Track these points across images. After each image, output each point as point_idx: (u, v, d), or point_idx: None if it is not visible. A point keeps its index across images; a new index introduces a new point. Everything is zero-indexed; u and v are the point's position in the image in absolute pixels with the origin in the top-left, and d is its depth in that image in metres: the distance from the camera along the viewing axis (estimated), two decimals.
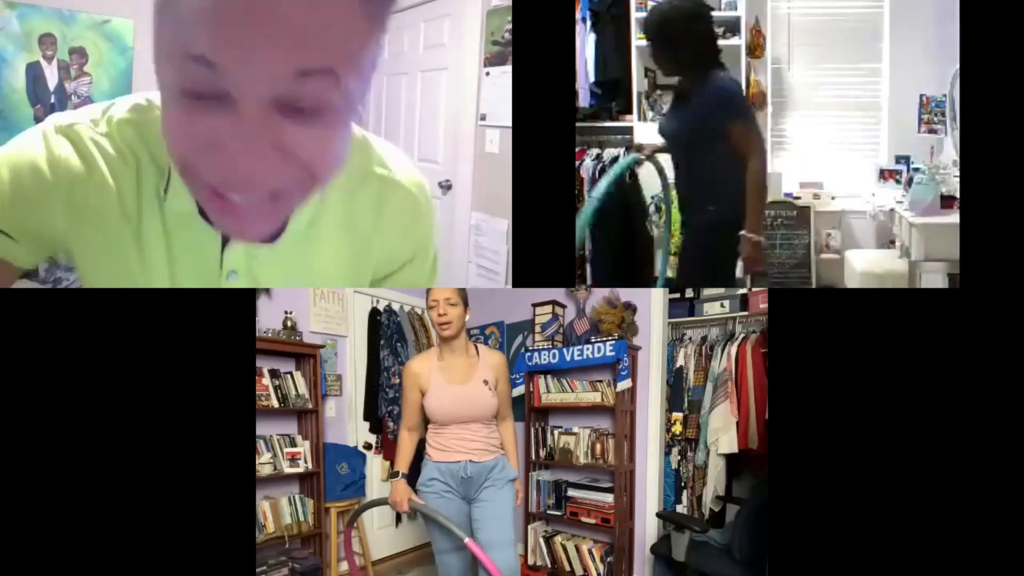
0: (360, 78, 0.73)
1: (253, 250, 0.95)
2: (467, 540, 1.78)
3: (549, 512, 3.30)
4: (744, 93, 2.66)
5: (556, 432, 3.33)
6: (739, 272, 2.40)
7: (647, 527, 3.07)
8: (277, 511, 2.90)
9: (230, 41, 0.65)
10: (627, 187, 3.59)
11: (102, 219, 0.89)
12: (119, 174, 0.89)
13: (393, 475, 2.06)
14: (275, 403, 2.93)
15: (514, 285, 2.04)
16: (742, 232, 2.20)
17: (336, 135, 0.75)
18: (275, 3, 0.64)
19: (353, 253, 1.04)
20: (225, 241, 0.94)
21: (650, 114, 3.75)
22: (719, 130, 2.19)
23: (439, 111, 3.58)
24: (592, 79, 3.63)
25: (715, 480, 2.85)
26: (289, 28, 0.65)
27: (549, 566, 3.27)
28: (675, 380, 3.11)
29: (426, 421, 2.08)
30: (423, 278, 1.17)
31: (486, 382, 2.00)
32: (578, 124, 3.58)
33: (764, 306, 2.90)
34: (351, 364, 3.55)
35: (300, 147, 0.72)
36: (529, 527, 3.38)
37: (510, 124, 2.38)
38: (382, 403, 3.60)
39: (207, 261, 0.94)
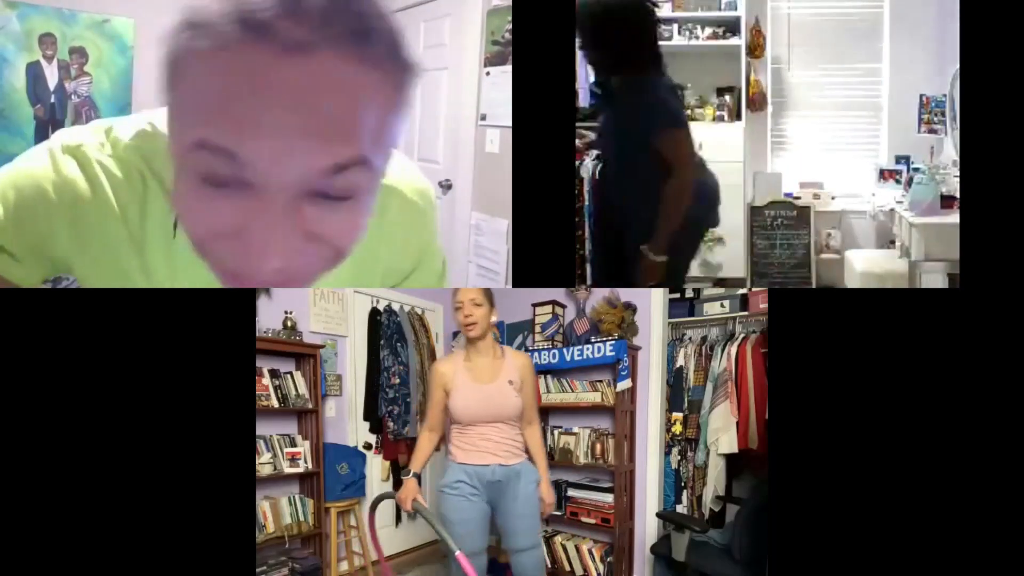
0: (387, 156, 0.71)
1: None
2: (457, 553, 1.72)
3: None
4: (681, 102, 2.43)
5: (556, 432, 3.33)
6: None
7: (647, 527, 3.07)
8: (277, 511, 2.90)
9: (256, 133, 0.61)
10: None
11: (106, 241, 0.89)
12: (125, 198, 0.88)
13: (405, 472, 2.05)
14: (275, 403, 2.93)
15: (514, 285, 2.04)
16: (643, 246, 2.02)
17: (364, 211, 0.72)
18: (305, 92, 0.61)
19: (356, 261, 1.02)
20: None
21: None
22: (643, 144, 1.98)
23: (439, 111, 3.58)
24: (592, 79, 3.63)
25: (715, 480, 2.85)
26: (321, 119, 0.61)
27: (549, 566, 3.27)
28: (675, 380, 3.11)
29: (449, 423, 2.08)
30: (431, 283, 1.16)
31: (511, 382, 1.99)
32: (578, 124, 3.58)
33: (764, 306, 2.90)
34: (351, 364, 3.55)
35: (329, 230, 0.68)
36: None
37: (510, 124, 2.38)
38: (382, 403, 3.60)
39: (215, 282, 0.94)
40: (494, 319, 2.02)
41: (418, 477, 2.01)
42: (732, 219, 3.71)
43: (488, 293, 2.00)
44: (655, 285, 2.27)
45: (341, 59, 0.62)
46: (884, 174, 3.70)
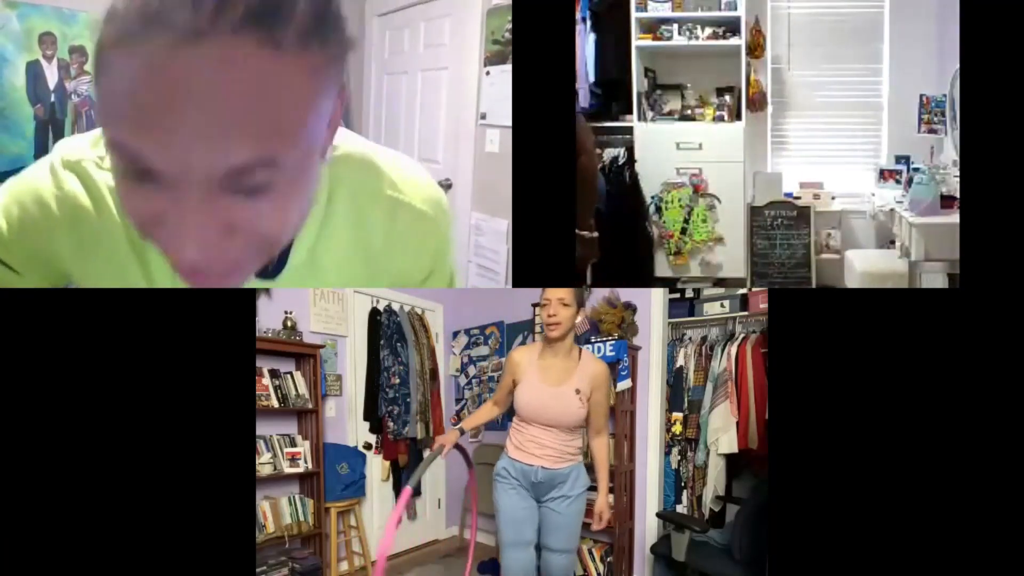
0: (310, 147, 0.67)
1: (264, 281, 0.93)
2: (406, 487, 1.77)
3: None
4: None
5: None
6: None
7: (647, 527, 3.07)
8: (277, 511, 2.90)
9: (150, 134, 0.59)
10: (627, 187, 3.59)
11: (109, 253, 0.89)
12: None
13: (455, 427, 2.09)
14: (275, 403, 2.93)
15: (514, 285, 2.04)
16: (576, 231, 2.11)
17: (291, 204, 0.68)
18: (192, 89, 0.57)
19: (365, 273, 1.00)
20: None
21: (650, 114, 3.75)
22: None
23: (439, 111, 3.58)
24: (592, 79, 3.63)
25: (715, 480, 2.85)
26: (210, 119, 0.58)
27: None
28: (675, 380, 3.11)
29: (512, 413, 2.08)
30: (443, 285, 1.15)
31: (578, 391, 1.93)
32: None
33: (764, 306, 2.90)
34: (351, 364, 3.55)
35: (249, 223, 0.65)
36: None
37: (510, 124, 2.37)
38: (382, 403, 3.60)
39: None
40: (579, 319, 1.98)
41: (462, 432, 2.06)
42: (732, 219, 3.71)
43: (578, 293, 1.95)
44: (595, 263, 2.40)
45: (238, 46, 0.58)
46: (884, 174, 3.69)
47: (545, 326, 1.95)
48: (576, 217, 2.10)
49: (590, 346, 3.09)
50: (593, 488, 2.09)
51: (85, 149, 0.89)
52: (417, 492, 3.84)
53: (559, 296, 1.91)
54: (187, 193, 0.61)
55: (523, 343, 3.65)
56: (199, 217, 0.62)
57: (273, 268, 0.90)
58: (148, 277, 0.91)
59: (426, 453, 3.97)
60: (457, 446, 2.09)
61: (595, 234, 2.17)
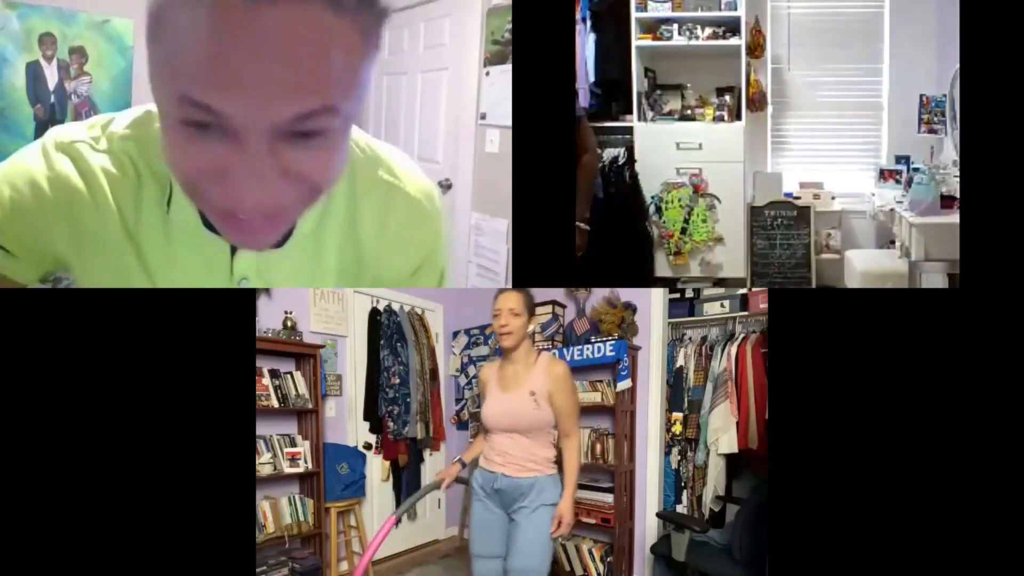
0: (359, 99, 0.73)
1: (263, 255, 0.95)
2: (391, 516, 1.81)
3: None
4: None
5: (556, 432, 3.33)
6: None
7: (647, 527, 3.07)
8: (277, 511, 2.90)
9: (224, 86, 0.64)
10: (627, 187, 3.59)
11: (103, 236, 0.89)
12: (119, 191, 0.88)
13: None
14: (275, 403, 2.93)
15: (514, 285, 2.03)
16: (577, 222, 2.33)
17: (338, 150, 0.76)
18: (266, 44, 0.63)
19: (358, 258, 1.02)
20: (234, 248, 0.94)
21: (650, 114, 3.75)
22: None
23: (439, 111, 3.58)
24: (592, 79, 3.63)
25: (715, 480, 2.85)
26: (284, 70, 0.64)
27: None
28: (675, 380, 3.11)
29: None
30: (432, 284, 1.16)
31: (532, 393, 1.90)
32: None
33: (764, 306, 2.90)
34: (351, 364, 3.55)
35: (303, 167, 0.72)
36: None
37: (510, 124, 2.38)
38: (382, 403, 3.60)
39: (215, 270, 0.94)
40: (531, 328, 1.98)
41: (464, 465, 2.10)
42: (732, 219, 3.71)
43: (528, 301, 1.95)
44: (582, 256, 2.55)
45: (309, 4, 0.64)
46: (884, 174, 3.69)
47: (497, 336, 1.96)
48: (575, 209, 2.26)
49: (590, 346, 3.09)
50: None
51: (80, 131, 0.90)
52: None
53: (509, 306, 1.92)
54: (254, 140, 0.67)
55: None
56: (262, 163, 0.69)
57: (283, 236, 0.94)
58: (143, 262, 0.91)
59: (426, 454, 3.97)
60: (459, 479, 2.11)
61: (587, 228, 2.41)
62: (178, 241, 0.92)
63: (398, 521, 2.00)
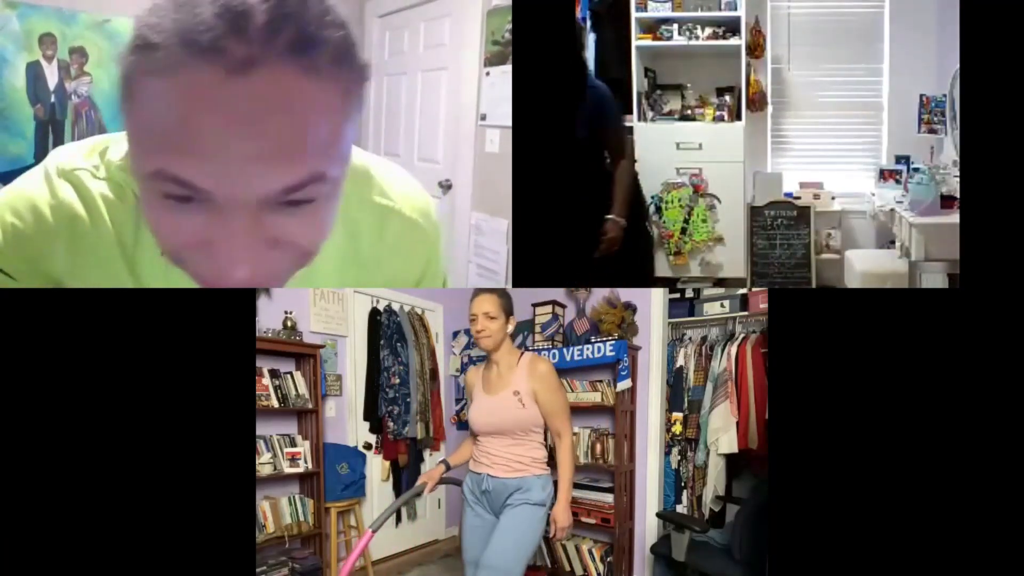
0: (345, 160, 0.71)
1: None
2: (369, 531, 1.79)
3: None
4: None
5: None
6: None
7: (647, 527, 3.07)
8: (277, 511, 2.90)
9: (202, 161, 0.61)
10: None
11: (100, 259, 0.90)
12: (118, 215, 0.89)
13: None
14: (275, 403, 2.93)
15: (514, 285, 2.04)
16: (610, 216, 2.42)
17: (328, 213, 0.73)
18: (244, 115, 0.60)
19: (357, 277, 1.04)
20: None
21: (650, 114, 3.75)
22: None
23: (439, 111, 3.58)
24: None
25: (715, 480, 2.85)
26: (265, 142, 0.61)
27: (549, 566, 3.27)
28: (675, 380, 3.11)
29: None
30: (436, 285, 1.17)
31: (516, 393, 1.88)
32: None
33: (764, 306, 2.90)
34: (351, 364, 3.55)
35: (293, 234, 0.69)
36: None
37: (510, 124, 2.38)
38: (382, 403, 3.60)
39: None
40: (511, 328, 1.95)
41: (448, 467, 2.07)
42: (732, 219, 3.71)
43: (504, 303, 1.92)
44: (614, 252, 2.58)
45: (285, 73, 0.61)
46: (884, 174, 3.69)
47: (475, 340, 1.96)
48: (615, 204, 2.44)
49: (590, 346, 3.09)
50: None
51: (79, 158, 0.91)
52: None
53: (484, 310, 1.91)
54: (240, 213, 0.64)
55: (523, 343, 3.65)
56: (249, 236, 0.66)
57: None
58: (137, 281, 0.92)
59: (426, 454, 3.97)
60: (452, 480, 2.09)
61: (623, 222, 2.48)
62: (176, 275, 0.92)
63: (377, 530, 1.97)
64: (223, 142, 0.60)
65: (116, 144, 0.92)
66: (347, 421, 3.50)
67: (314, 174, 0.65)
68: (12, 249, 0.90)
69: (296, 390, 3.06)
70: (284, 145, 0.62)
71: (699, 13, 3.64)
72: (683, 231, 3.67)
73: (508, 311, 1.95)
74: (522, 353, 1.98)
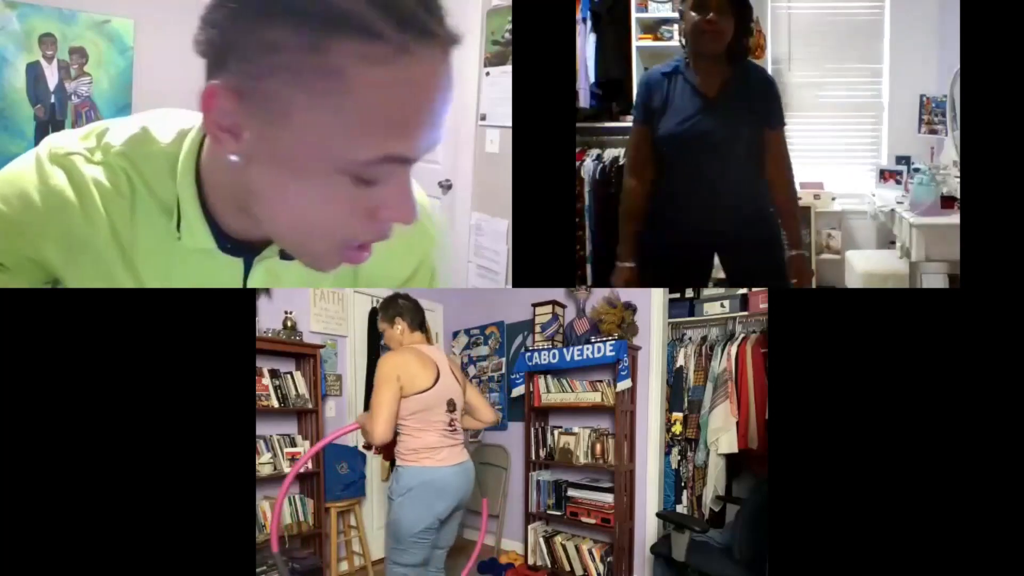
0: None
1: (274, 268, 0.95)
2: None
3: (549, 512, 3.30)
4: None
5: (556, 432, 3.33)
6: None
7: (647, 527, 3.07)
8: None
9: (419, 135, 0.70)
10: None
11: (93, 248, 0.88)
12: (112, 203, 0.87)
13: None
14: (275, 403, 2.93)
15: (514, 285, 2.04)
16: (792, 253, 2.03)
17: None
18: (428, 88, 0.68)
19: (354, 270, 1.03)
20: (247, 267, 0.94)
21: None
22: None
23: None
24: (592, 79, 3.63)
25: (715, 480, 2.85)
26: (432, 107, 0.70)
27: (549, 566, 3.28)
28: (675, 380, 3.11)
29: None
30: (423, 285, 1.17)
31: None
32: (578, 124, 3.58)
33: (764, 306, 2.90)
34: (351, 364, 3.55)
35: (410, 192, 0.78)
36: (529, 527, 3.38)
37: (510, 124, 2.38)
38: None
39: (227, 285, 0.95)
40: (397, 332, 2.16)
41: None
42: None
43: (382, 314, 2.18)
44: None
45: (435, 56, 0.68)
46: (884, 175, 3.69)
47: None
48: (791, 238, 2.08)
49: (590, 346, 3.09)
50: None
51: (74, 142, 0.88)
52: None
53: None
54: (406, 176, 0.75)
55: (523, 343, 3.65)
56: (408, 195, 0.76)
57: None
58: (133, 273, 0.90)
59: None
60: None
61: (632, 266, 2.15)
62: (189, 263, 0.91)
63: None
64: (426, 115, 0.69)
65: (115, 128, 0.90)
66: (347, 421, 3.50)
67: (437, 140, 0.74)
68: (1, 237, 0.88)
69: (296, 390, 3.06)
70: (436, 115, 0.71)
71: None
72: None
73: (407, 320, 2.15)
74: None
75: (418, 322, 2.16)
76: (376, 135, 0.68)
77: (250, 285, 0.95)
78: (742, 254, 2.06)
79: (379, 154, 0.69)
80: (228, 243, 0.90)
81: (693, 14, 1.85)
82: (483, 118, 3.21)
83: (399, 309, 2.15)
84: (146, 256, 0.90)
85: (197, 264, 0.91)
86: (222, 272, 0.93)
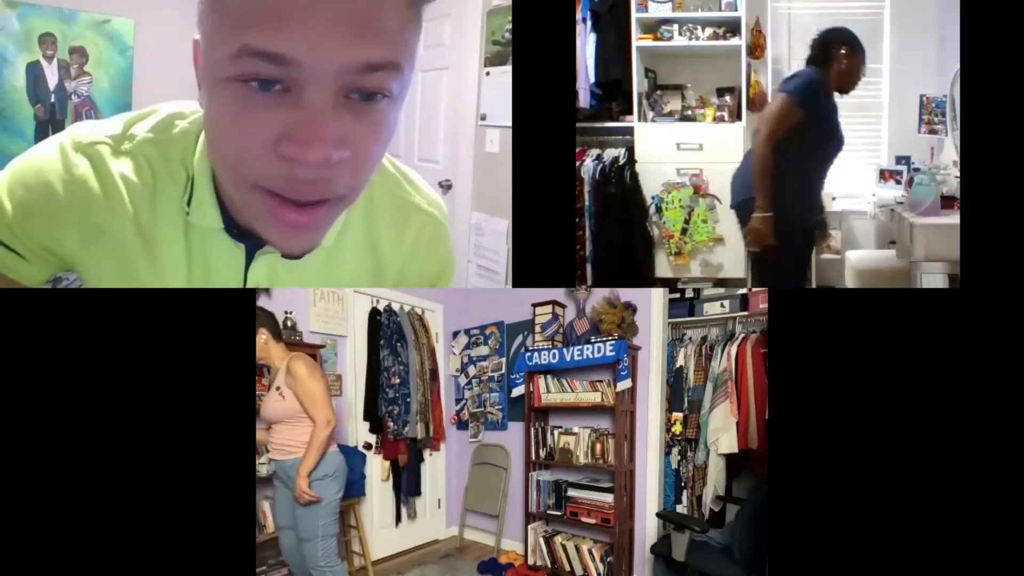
0: (411, 70, 0.75)
1: (277, 264, 0.94)
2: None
3: (549, 512, 3.30)
4: None
5: (556, 432, 3.33)
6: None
7: (647, 527, 3.07)
8: None
9: (299, 36, 0.65)
10: (628, 188, 3.59)
11: (115, 239, 0.87)
12: (136, 194, 0.86)
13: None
14: None
15: (514, 285, 2.04)
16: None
17: (387, 126, 0.75)
18: None
19: (372, 272, 1.02)
20: (250, 257, 0.93)
21: (650, 114, 3.75)
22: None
23: (439, 111, 3.58)
24: (592, 80, 3.63)
25: (715, 480, 2.85)
26: (354, 22, 0.66)
27: (549, 566, 3.28)
28: (675, 380, 3.11)
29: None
30: (447, 285, 1.18)
31: (278, 388, 2.25)
32: (578, 124, 3.58)
33: (764, 306, 2.90)
34: (351, 364, 3.55)
35: (357, 135, 0.71)
36: (529, 527, 3.38)
37: (510, 124, 2.38)
38: (382, 403, 3.60)
39: (228, 279, 0.93)
40: (263, 339, 2.26)
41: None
42: (732, 220, 3.70)
43: (264, 326, 2.26)
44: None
45: None
46: (884, 174, 3.69)
47: None
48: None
49: (590, 346, 3.09)
50: None
51: (100, 132, 0.87)
52: (417, 492, 3.84)
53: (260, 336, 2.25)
54: (318, 97, 0.67)
55: (523, 343, 3.65)
56: (324, 124, 0.68)
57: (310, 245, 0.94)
58: (156, 267, 0.89)
59: (426, 454, 3.97)
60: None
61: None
62: (195, 245, 0.90)
63: None
64: (308, 9, 0.64)
65: (143, 121, 0.90)
66: (347, 421, 3.50)
67: (390, 60, 0.69)
68: (20, 225, 0.86)
69: None
70: (364, 18, 0.66)
71: (700, 13, 3.64)
72: (683, 232, 3.67)
73: (269, 330, 2.29)
74: (290, 356, 2.27)
75: (277, 333, 2.35)
76: (235, 27, 0.66)
77: (250, 279, 0.94)
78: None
79: (236, 46, 0.66)
80: (235, 228, 0.90)
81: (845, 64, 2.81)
82: (483, 118, 3.22)
83: (262, 320, 2.28)
84: (165, 241, 0.89)
85: (206, 246, 0.91)
86: (225, 258, 0.92)
